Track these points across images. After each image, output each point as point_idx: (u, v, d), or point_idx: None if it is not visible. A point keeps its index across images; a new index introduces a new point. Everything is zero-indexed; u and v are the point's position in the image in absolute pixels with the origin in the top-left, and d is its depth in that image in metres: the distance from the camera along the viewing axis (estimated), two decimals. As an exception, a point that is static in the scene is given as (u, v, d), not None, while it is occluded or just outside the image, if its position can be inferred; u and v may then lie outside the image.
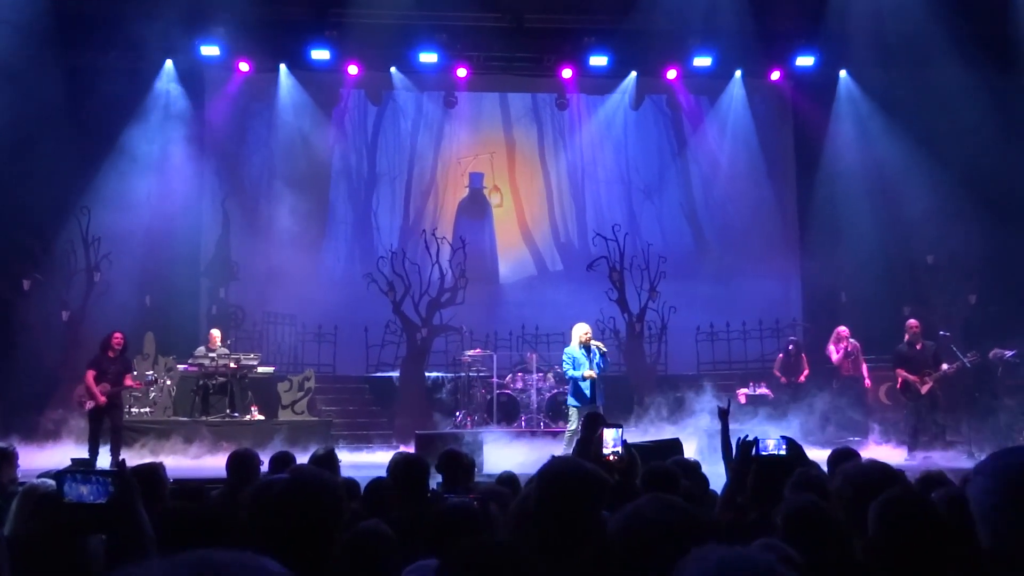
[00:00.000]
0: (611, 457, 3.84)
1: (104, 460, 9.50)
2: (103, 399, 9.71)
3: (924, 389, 10.25)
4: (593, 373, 9.43)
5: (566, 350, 9.75)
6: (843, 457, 4.37)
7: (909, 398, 10.48)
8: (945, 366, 10.35)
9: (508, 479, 4.90)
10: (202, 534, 2.77)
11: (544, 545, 2.34)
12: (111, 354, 9.91)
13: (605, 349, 9.69)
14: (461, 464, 4.92)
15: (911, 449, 10.32)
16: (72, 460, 8.99)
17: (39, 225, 12.90)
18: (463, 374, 13.05)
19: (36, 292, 12.77)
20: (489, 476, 7.56)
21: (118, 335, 10.05)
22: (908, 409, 10.60)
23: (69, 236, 13.03)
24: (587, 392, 9.48)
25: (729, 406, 4.85)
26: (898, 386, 10.99)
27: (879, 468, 2.75)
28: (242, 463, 4.60)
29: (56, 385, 12.21)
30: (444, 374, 13.85)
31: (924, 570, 1.98)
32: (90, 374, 9.81)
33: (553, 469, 2.48)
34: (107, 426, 9.84)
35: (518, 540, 2.46)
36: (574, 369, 9.50)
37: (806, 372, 12.39)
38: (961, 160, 12.45)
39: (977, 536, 1.57)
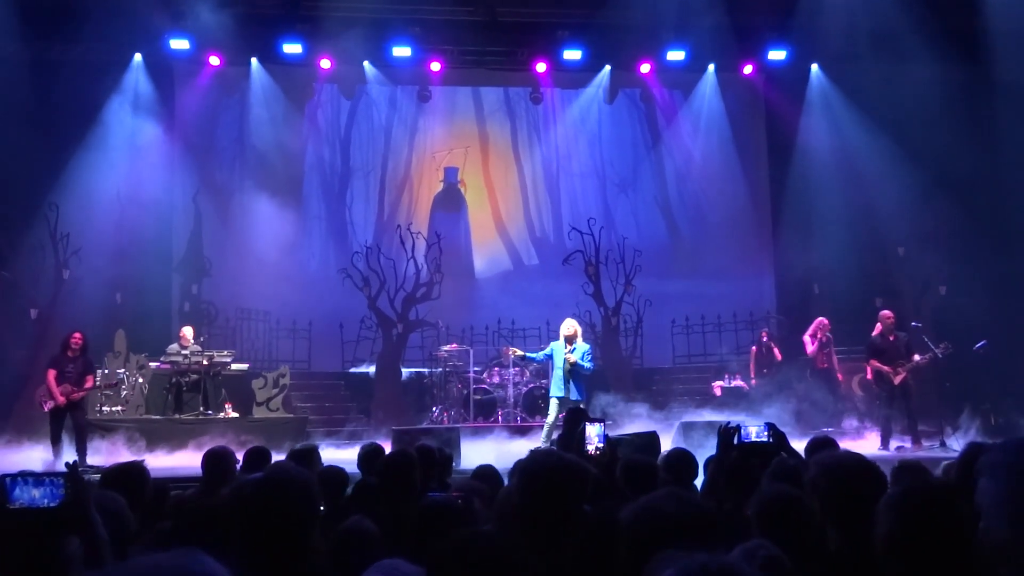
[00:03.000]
0: (594, 452, 3.82)
1: (70, 460, 9.34)
2: (62, 399, 9.56)
3: (897, 380, 10.34)
4: (573, 357, 9.59)
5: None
6: (821, 446, 4.36)
7: (882, 389, 10.58)
8: (917, 357, 10.46)
9: (485, 473, 4.88)
10: (191, 532, 2.73)
11: (528, 538, 2.32)
12: (71, 354, 9.75)
13: (585, 346, 9.81)
14: (434, 460, 4.90)
15: (884, 439, 10.43)
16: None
17: (6, 222, 12.68)
18: (439, 369, 13.01)
19: (3, 290, 12.54)
20: (464, 472, 7.54)
21: (77, 335, 9.87)
22: (881, 400, 10.70)
23: (37, 233, 12.82)
24: (560, 383, 9.58)
25: (738, 434, 3.81)
26: (868, 376, 11.12)
27: (854, 459, 2.74)
28: (217, 462, 4.54)
29: (24, 384, 12.00)
30: (420, 369, 13.80)
31: (948, 564, 1.96)
32: (51, 374, 9.66)
33: (535, 462, 2.47)
34: (70, 425, 9.70)
35: (504, 533, 2.44)
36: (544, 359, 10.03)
37: (778, 358, 12.49)
38: (931, 153, 12.61)
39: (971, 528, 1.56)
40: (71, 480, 2.21)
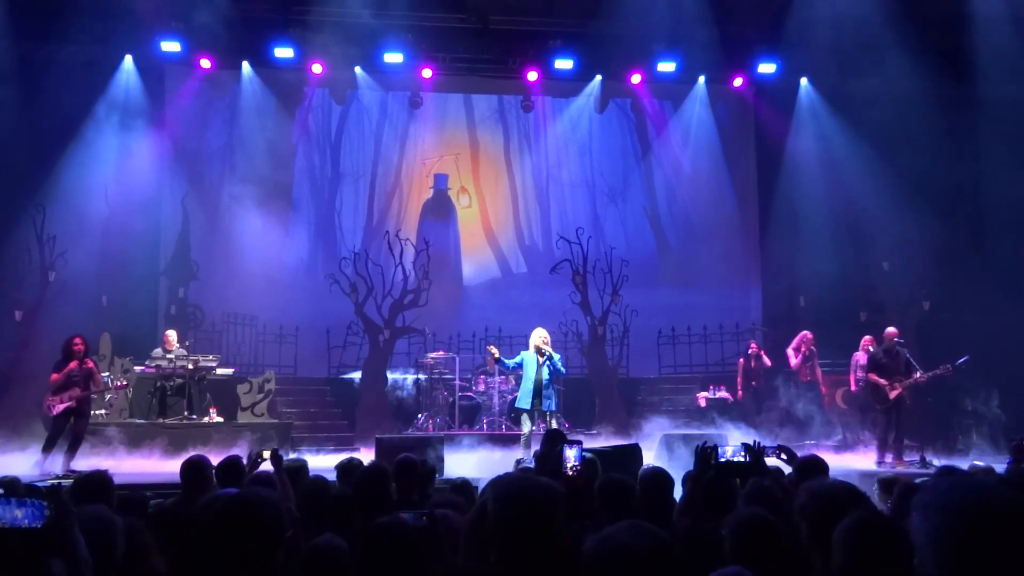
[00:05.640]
0: (571, 473, 3.83)
1: (55, 466, 9.24)
2: (77, 396, 9.39)
3: (892, 395, 10.31)
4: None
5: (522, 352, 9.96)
6: (812, 468, 4.35)
7: (879, 403, 10.53)
8: (918, 374, 10.39)
9: (462, 487, 4.88)
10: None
11: (505, 566, 2.32)
12: (75, 360, 9.63)
13: (556, 356, 9.75)
14: (416, 473, 4.88)
15: (880, 454, 10.39)
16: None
17: (-9, 223, 12.63)
18: (425, 376, 13.01)
19: (-12, 291, 12.48)
20: (448, 481, 7.54)
21: (78, 339, 9.60)
22: (877, 414, 10.65)
23: (23, 234, 12.77)
24: (528, 396, 9.54)
25: (715, 453, 4.00)
26: (852, 388, 11.15)
27: (843, 487, 2.76)
28: (195, 471, 4.54)
29: (7, 387, 11.95)
30: (406, 376, 13.79)
31: None
32: (55, 376, 9.41)
33: (508, 487, 2.45)
34: (69, 432, 9.56)
35: (477, 560, 2.44)
36: (514, 368, 9.88)
37: (768, 364, 12.55)
38: (916, 168, 12.72)
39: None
40: (55, 501, 2.19)
